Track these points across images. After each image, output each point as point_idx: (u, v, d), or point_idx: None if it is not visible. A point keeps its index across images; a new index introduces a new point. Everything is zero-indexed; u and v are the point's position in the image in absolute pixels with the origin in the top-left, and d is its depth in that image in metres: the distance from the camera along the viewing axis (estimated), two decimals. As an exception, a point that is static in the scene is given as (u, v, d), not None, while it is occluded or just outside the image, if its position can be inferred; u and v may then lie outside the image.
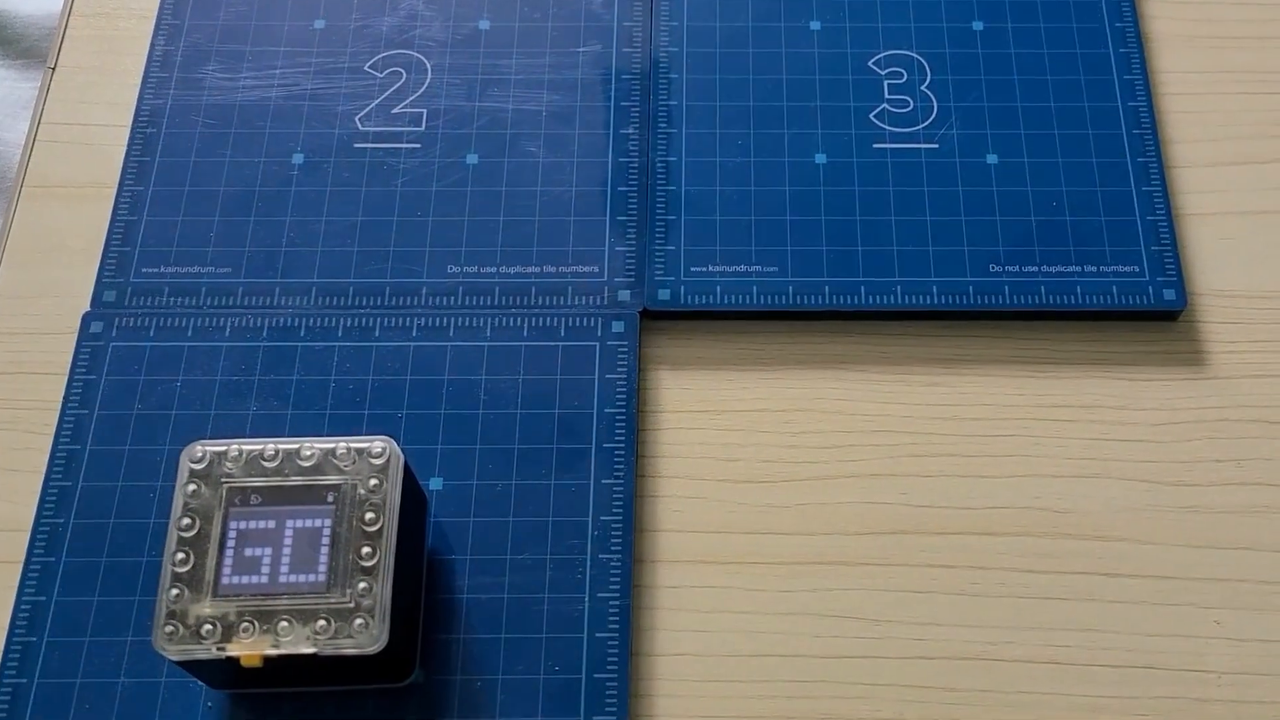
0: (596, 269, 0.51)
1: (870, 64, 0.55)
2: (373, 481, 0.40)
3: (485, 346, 0.49)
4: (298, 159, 0.53)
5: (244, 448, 0.41)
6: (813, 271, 0.50)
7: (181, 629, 0.39)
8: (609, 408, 0.48)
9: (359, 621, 0.39)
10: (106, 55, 0.56)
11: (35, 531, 0.46)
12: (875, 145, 0.53)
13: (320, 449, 0.41)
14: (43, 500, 0.46)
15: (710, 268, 0.51)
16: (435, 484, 0.47)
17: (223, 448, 0.41)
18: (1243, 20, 0.56)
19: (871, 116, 0.53)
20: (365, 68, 0.55)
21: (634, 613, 0.45)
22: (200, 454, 0.41)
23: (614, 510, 0.46)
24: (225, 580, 0.39)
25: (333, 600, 0.39)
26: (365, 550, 0.40)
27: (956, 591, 0.46)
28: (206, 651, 0.39)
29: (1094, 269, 0.50)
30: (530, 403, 0.48)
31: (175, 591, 0.39)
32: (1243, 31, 0.56)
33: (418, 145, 0.53)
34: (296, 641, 0.39)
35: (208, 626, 0.39)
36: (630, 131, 0.53)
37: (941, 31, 0.55)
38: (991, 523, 0.47)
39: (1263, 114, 0.54)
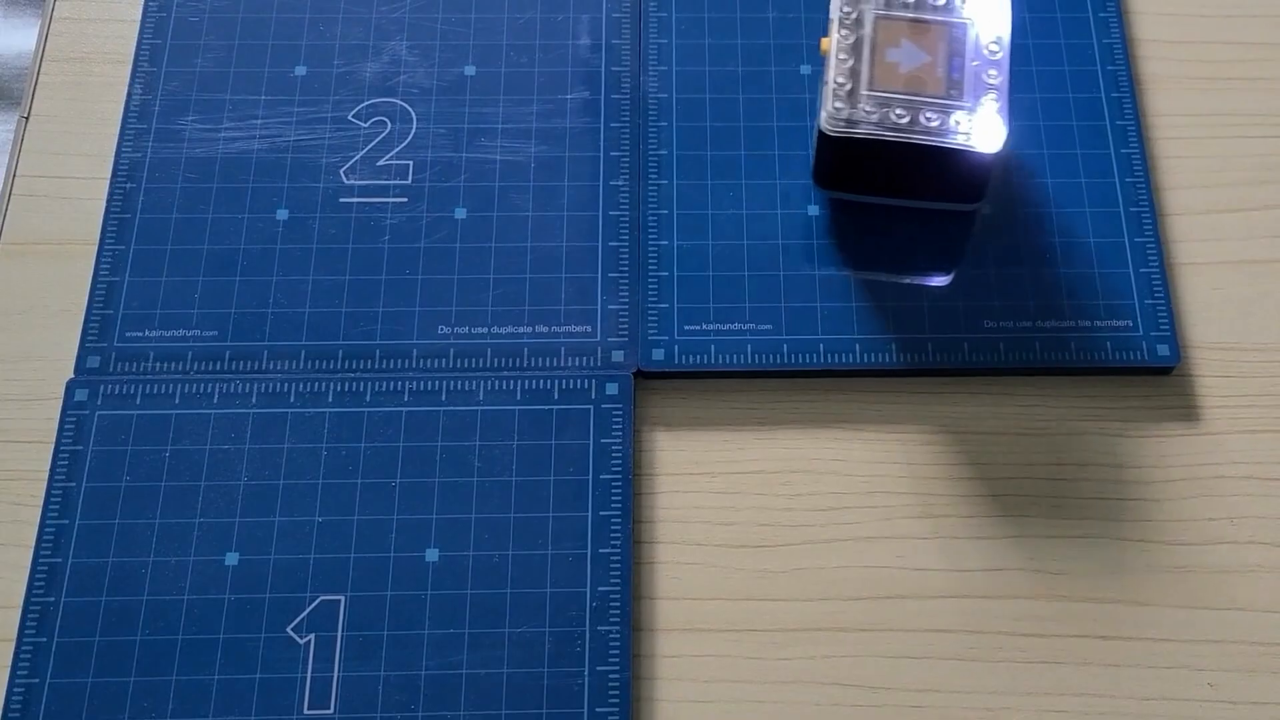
0: (589, 328, 0.50)
1: (862, 109, 0.54)
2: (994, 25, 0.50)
3: (479, 411, 0.49)
4: (282, 215, 0.52)
5: None
6: (807, 329, 0.50)
7: (847, 109, 0.48)
8: (604, 474, 0.48)
9: (991, 123, 0.48)
10: (82, 103, 0.55)
11: (26, 610, 0.45)
12: (868, 196, 0.52)
13: None
14: (33, 578, 0.46)
15: (704, 325, 0.50)
16: (432, 555, 0.46)
17: None
18: (1237, 60, 0.56)
19: (864, 165, 0.53)
20: (349, 117, 0.54)
21: (634, 684, 0.45)
22: None
23: (612, 580, 0.46)
24: (878, 89, 0.48)
25: (967, 106, 0.48)
26: (991, 72, 0.49)
27: (954, 656, 0.46)
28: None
29: (1088, 324, 0.50)
30: (525, 469, 0.48)
31: (840, 80, 0.48)
32: (1237, 72, 0.56)
33: (404, 200, 0.52)
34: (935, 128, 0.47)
35: (866, 108, 0.48)
36: (620, 183, 0.53)
37: (934, 75, 0.55)
38: (988, 585, 0.47)
39: (1257, 158, 0.54)
